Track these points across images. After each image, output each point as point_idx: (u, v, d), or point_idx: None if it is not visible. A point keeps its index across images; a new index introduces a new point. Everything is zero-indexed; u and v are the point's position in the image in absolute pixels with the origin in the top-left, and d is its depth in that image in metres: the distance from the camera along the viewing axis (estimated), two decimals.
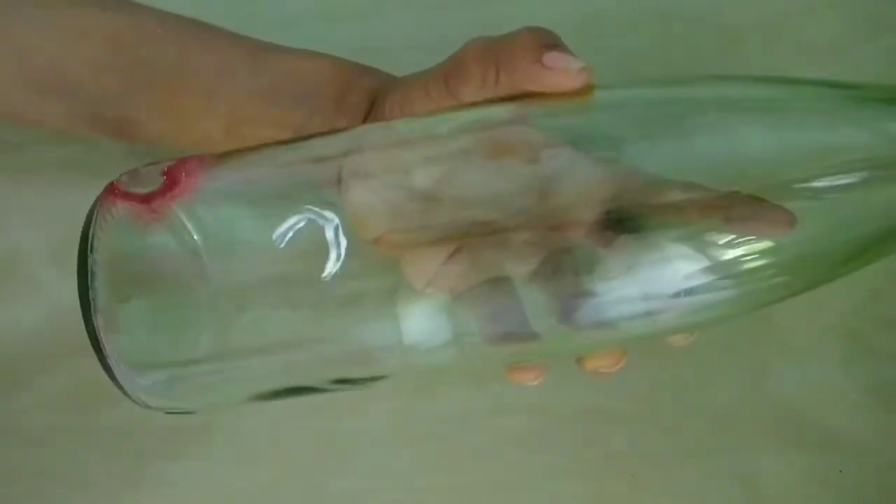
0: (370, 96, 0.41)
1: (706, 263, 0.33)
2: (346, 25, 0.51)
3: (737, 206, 0.33)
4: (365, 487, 0.45)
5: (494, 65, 0.35)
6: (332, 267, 0.33)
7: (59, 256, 0.46)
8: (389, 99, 0.39)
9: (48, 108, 0.43)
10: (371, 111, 0.40)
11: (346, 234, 0.33)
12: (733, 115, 0.34)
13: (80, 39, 0.42)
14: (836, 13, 0.51)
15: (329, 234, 0.33)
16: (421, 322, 0.34)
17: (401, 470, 0.45)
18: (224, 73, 0.42)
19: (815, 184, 0.33)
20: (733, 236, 0.33)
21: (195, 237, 0.34)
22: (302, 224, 0.33)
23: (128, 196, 0.34)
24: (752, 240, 0.33)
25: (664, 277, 0.33)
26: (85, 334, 0.34)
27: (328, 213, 0.33)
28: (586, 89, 0.35)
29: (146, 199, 0.34)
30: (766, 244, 0.33)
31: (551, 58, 0.34)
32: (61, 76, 0.42)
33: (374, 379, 0.36)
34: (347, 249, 0.33)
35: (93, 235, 0.34)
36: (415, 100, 0.38)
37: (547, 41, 0.35)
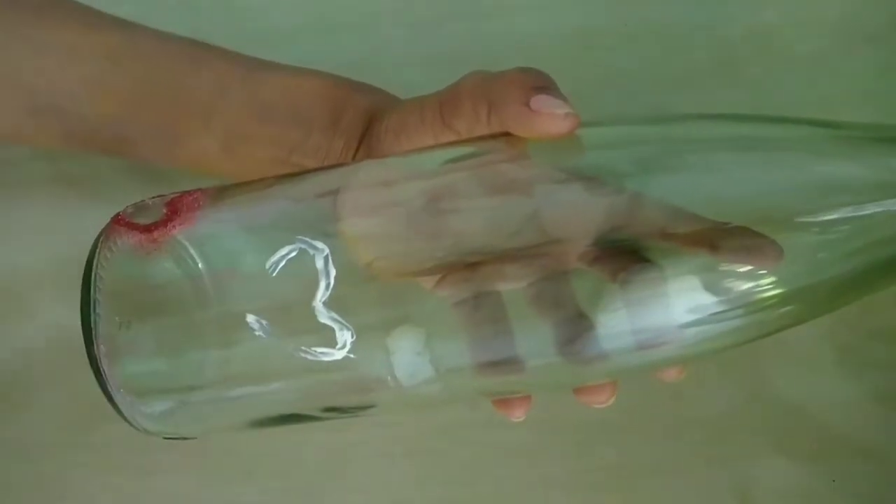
0: (367, 114, 0.41)
1: (704, 295, 0.33)
2: (340, 41, 0.51)
3: (724, 237, 0.33)
4: (361, 501, 0.45)
5: (486, 103, 0.36)
6: (322, 295, 0.34)
7: (53, 273, 0.47)
8: (385, 122, 0.39)
9: (45, 128, 0.43)
10: (367, 131, 0.41)
11: (336, 264, 0.34)
12: (725, 152, 0.34)
13: (77, 59, 0.42)
14: (824, 26, 0.52)
15: (319, 263, 0.34)
16: (411, 354, 0.34)
17: (397, 483, 0.45)
18: (220, 92, 0.42)
19: (807, 218, 0.33)
20: (730, 268, 0.33)
21: (196, 266, 0.35)
22: (294, 254, 0.34)
23: (131, 226, 0.35)
24: (748, 272, 0.33)
25: (662, 309, 0.33)
26: (83, 351, 0.34)
27: (319, 244, 0.34)
28: (572, 133, 0.35)
29: (148, 230, 0.35)
30: (762, 276, 0.33)
31: (538, 101, 0.35)
32: (58, 96, 0.42)
33: (364, 408, 0.37)
34: (337, 279, 0.34)
35: (96, 265, 0.35)
36: (410, 126, 0.38)
37: (536, 83, 0.35)
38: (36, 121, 0.43)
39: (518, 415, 0.38)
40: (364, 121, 0.41)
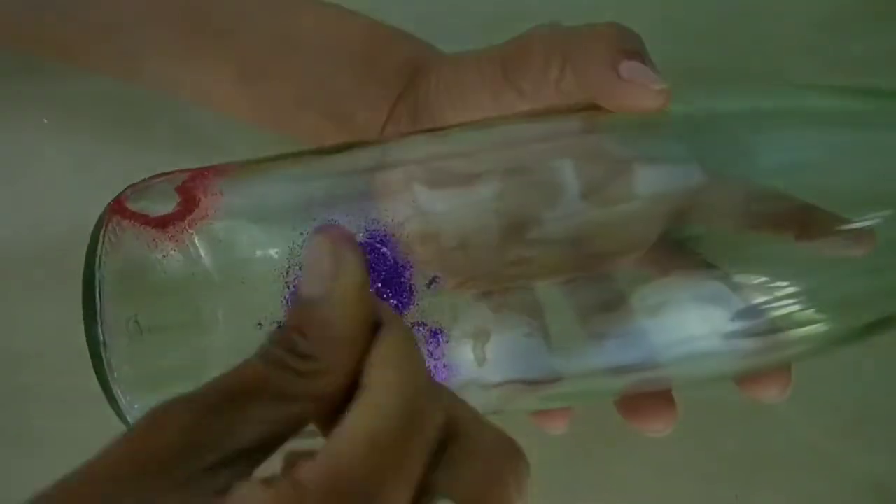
0: (410, 65, 0.37)
1: (775, 299, 0.29)
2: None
3: (813, 221, 0.28)
4: None
5: (561, 58, 0.31)
6: None
7: None
8: (436, 77, 0.35)
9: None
10: (412, 86, 0.36)
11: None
12: (834, 128, 0.30)
13: None
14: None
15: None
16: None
17: None
18: (241, 14, 0.38)
19: None
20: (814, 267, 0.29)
21: (216, 265, 0.29)
22: None
23: (141, 219, 0.30)
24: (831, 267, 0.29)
25: (721, 312, 0.29)
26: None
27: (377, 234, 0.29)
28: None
29: (162, 223, 0.30)
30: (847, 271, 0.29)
31: (630, 68, 0.29)
32: None
33: None
34: None
35: (100, 261, 0.29)
36: (467, 84, 0.34)
37: (627, 46, 0.30)
38: None
39: (559, 427, 0.33)
40: (407, 71, 0.36)
